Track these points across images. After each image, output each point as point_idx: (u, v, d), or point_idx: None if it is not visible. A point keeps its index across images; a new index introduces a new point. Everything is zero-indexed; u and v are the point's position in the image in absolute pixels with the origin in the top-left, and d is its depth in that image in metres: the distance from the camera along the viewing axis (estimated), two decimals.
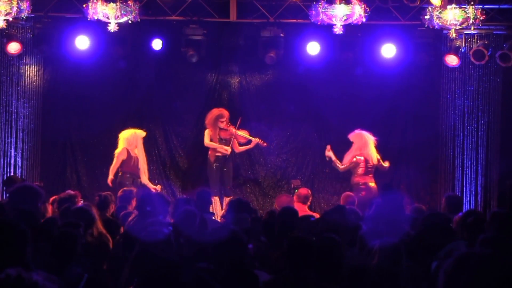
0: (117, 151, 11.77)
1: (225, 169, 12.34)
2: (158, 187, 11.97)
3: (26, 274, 2.27)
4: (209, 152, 12.36)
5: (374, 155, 11.87)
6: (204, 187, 11.61)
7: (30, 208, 5.55)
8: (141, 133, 11.92)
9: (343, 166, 11.90)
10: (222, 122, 12.24)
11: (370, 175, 11.84)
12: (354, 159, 11.79)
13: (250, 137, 12.39)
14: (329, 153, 12.00)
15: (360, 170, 11.78)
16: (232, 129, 12.25)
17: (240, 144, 12.44)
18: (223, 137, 12.28)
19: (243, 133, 12.39)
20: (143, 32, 12.26)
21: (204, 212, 7.45)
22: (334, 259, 4.76)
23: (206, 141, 12.29)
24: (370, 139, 11.89)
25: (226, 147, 12.22)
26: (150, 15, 12.12)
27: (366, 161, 11.81)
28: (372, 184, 11.75)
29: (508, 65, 12.06)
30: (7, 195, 10.01)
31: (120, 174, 11.71)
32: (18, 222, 3.95)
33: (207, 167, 12.36)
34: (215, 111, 12.37)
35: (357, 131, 11.96)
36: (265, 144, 12.48)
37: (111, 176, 11.69)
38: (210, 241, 5.00)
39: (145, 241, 4.89)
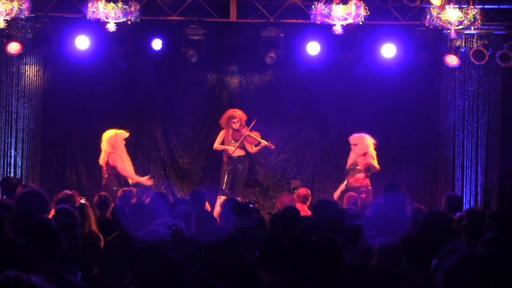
0: (103, 158, 11.46)
1: (240, 168, 12.35)
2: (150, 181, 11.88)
3: (25, 276, 2.27)
4: (223, 152, 12.40)
5: (375, 157, 11.84)
6: (198, 187, 11.64)
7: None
8: (122, 134, 11.62)
9: (377, 167, 11.74)
10: (234, 122, 12.24)
11: (369, 178, 11.84)
12: (359, 160, 11.69)
13: (260, 139, 12.37)
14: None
15: (361, 174, 11.73)
16: (244, 131, 12.26)
17: (255, 146, 12.45)
18: (236, 138, 12.29)
19: (254, 135, 12.37)
20: (143, 32, 12.25)
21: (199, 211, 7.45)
22: (332, 259, 4.76)
23: (215, 144, 12.36)
24: (371, 142, 11.86)
25: (229, 147, 12.22)
26: (150, 15, 12.12)
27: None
28: (370, 187, 11.74)
29: (508, 65, 12.06)
30: (4, 196, 10.00)
31: (106, 176, 11.56)
32: (53, 224, 4.00)
33: (223, 166, 12.39)
34: (228, 112, 12.42)
35: (356, 134, 11.92)
36: (273, 146, 12.45)
37: (138, 178, 11.51)
38: (204, 242, 4.99)
39: (144, 240, 4.89)
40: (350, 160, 11.84)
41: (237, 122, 12.25)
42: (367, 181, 11.72)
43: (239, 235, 4.91)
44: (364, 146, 11.73)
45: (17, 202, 6.09)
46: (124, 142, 11.64)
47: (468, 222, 6.03)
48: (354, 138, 11.86)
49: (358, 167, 11.65)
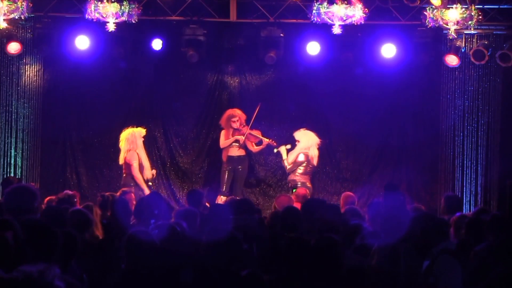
0: (123, 157, 11.54)
1: (239, 169, 12.35)
2: (154, 171, 11.85)
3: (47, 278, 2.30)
4: (223, 152, 12.41)
5: (316, 157, 11.94)
6: (195, 188, 11.65)
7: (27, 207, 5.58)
8: (140, 132, 11.73)
9: (290, 166, 11.91)
10: (234, 122, 12.24)
11: (308, 175, 11.93)
12: (299, 158, 11.83)
13: (262, 137, 12.39)
14: (282, 148, 11.96)
15: (301, 170, 11.87)
16: (245, 130, 12.26)
17: (256, 144, 12.46)
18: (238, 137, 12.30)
19: (255, 133, 12.38)
20: (143, 32, 12.25)
21: None
22: (333, 259, 4.75)
23: (221, 141, 12.33)
24: (315, 140, 11.95)
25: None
26: (150, 15, 12.12)
27: (308, 160, 11.88)
28: (309, 185, 11.82)
29: (508, 65, 12.06)
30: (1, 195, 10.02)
31: (124, 176, 11.64)
32: (50, 224, 3.99)
33: (223, 165, 12.41)
34: (227, 112, 12.44)
35: (302, 130, 12.01)
36: (275, 143, 12.48)
37: (147, 190, 11.16)
38: (206, 242, 5.00)
39: (132, 238, 4.92)
40: (290, 158, 11.92)
41: (237, 121, 12.26)
42: (306, 178, 11.87)
43: (240, 234, 4.92)
44: (306, 144, 11.83)
45: (4, 200, 6.10)
46: (143, 140, 11.71)
47: (469, 221, 6.03)
48: (298, 134, 11.98)
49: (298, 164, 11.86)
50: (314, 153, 11.95)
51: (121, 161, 11.67)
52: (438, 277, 4.70)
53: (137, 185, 11.29)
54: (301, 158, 11.87)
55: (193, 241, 5.79)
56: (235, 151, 12.34)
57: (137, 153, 11.51)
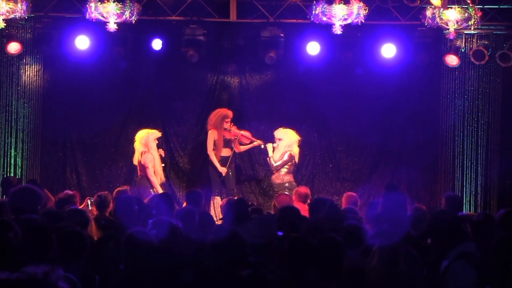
0: (137, 158, 11.57)
1: (228, 170, 12.32)
2: (161, 151, 11.93)
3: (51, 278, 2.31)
4: (213, 151, 12.34)
5: (297, 155, 11.95)
6: (193, 189, 11.62)
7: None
8: (154, 134, 11.74)
9: (278, 163, 11.90)
10: (227, 122, 12.22)
11: (292, 174, 11.95)
12: (286, 156, 11.83)
13: (253, 138, 12.37)
14: (269, 146, 11.98)
15: (285, 169, 11.88)
16: (236, 130, 12.22)
17: (241, 144, 12.43)
18: (227, 137, 12.24)
19: (246, 134, 12.36)
20: (143, 32, 12.26)
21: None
22: (335, 259, 4.75)
23: (209, 149, 12.17)
24: (296, 138, 11.98)
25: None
26: (150, 15, 12.12)
27: (292, 158, 11.90)
28: (294, 183, 11.84)
29: (508, 65, 12.07)
30: (5, 196, 10.02)
31: (139, 177, 11.67)
32: (46, 225, 4.00)
33: (209, 167, 12.32)
34: (220, 112, 12.31)
35: (281, 128, 12.01)
36: (266, 147, 12.44)
37: (160, 190, 11.26)
38: (209, 241, 5.00)
39: (130, 239, 4.92)
40: (276, 157, 11.90)
41: (229, 121, 12.24)
42: (291, 177, 11.86)
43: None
44: (288, 142, 11.84)
45: (9, 201, 6.12)
46: (157, 142, 11.75)
47: (481, 220, 6.01)
48: (279, 133, 11.98)
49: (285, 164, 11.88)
50: (296, 151, 11.97)
51: (135, 161, 11.75)
52: (449, 282, 4.66)
53: (152, 187, 11.38)
54: (287, 156, 11.87)
55: (192, 241, 5.80)
56: (226, 152, 12.28)
57: (152, 155, 11.53)
